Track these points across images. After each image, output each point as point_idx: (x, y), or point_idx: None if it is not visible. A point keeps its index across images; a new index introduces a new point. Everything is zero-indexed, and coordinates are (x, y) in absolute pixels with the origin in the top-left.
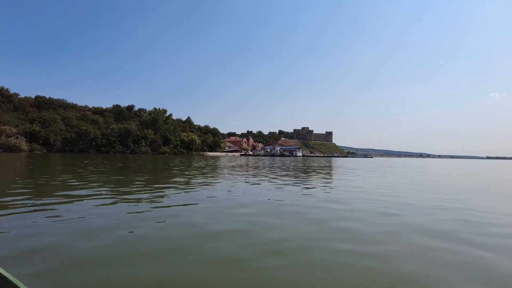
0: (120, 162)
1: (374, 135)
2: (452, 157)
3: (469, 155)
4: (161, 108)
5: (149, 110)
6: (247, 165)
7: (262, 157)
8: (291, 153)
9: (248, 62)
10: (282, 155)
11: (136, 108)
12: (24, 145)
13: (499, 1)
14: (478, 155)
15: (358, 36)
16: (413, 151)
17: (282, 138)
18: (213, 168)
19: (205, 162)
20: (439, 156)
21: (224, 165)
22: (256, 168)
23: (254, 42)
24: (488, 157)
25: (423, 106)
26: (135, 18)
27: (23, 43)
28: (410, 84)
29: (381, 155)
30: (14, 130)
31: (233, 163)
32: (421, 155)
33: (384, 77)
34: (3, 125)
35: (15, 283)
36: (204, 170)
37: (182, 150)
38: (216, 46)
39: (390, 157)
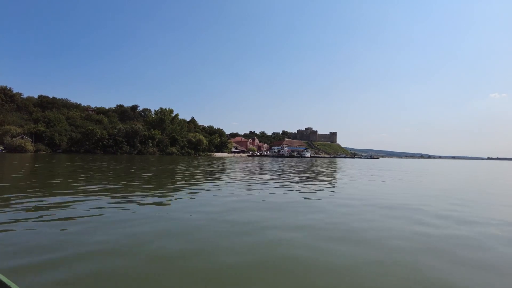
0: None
1: (374, 136)
2: (453, 157)
3: (469, 155)
4: (167, 108)
5: (155, 110)
6: (288, 169)
7: (273, 158)
8: (300, 154)
9: (249, 62)
10: (290, 156)
11: (140, 108)
12: (29, 146)
13: (499, 1)
14: (478, 156)
15: (358, 37)
16: (414, 152)
17: (286, 139)
18: (271, 171)
19: (243, 165)
20: (440, 157)
21: (266, 169)
22: (306, 171)
23: (254, 42)
24: (489, 158)
25: (423, 107)
26: (136, 18)
27: (25, 42)
28: (410, 85)
29: (382, 156)
30: (19, 130)
31: (269, 166)
32: (421, 156)
33: (384, 77)
34: (7, 125)
35: (7, 283)
36: (258, 173)
37: (190, 150)
38: (217, 47)
39: (391, 157)
